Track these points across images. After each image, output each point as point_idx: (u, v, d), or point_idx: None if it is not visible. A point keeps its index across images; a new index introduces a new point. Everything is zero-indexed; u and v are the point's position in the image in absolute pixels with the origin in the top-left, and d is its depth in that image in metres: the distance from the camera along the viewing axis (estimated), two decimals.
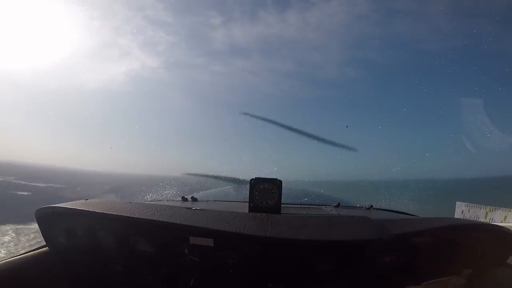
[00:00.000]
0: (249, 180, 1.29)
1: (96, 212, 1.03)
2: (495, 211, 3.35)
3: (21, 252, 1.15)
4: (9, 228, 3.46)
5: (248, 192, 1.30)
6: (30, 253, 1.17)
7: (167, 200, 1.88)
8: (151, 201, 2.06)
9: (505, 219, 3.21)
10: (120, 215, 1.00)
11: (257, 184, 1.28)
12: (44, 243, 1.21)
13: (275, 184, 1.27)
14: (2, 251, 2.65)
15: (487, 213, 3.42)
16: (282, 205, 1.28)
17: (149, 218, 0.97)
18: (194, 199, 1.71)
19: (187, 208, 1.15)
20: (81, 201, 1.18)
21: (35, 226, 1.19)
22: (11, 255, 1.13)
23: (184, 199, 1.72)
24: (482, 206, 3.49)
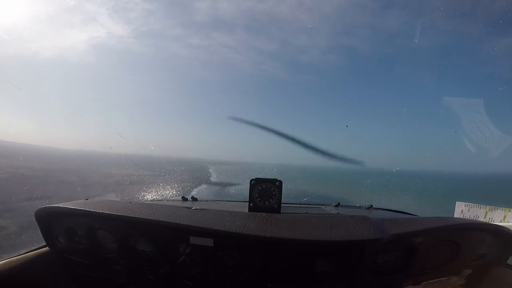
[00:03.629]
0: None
1: (96, 212, 1.03)
2: (494, 210, 3.35)
3: (21, 252, 1.15)
4: None
5: (248, 191, 1.30)
6: (30, 253, 1.17)
7: (167, 200, 1.88)
8: (151, 200, 2.06)
9: (504, 218, 3.22)
10: (120, 215, 1.00)
11: (257, 184, 1.28)
12: (44, 243, 1.21)
13: (275, 184, 1.27)
14: None
15: (486, 212, 3.43)
16: (282, 205, 1.28)
17: (149, 218, 0.97)
18: (194, 199, 1.71)
19: (187, 207, 1.15)
20: (81, 201, 1.18)
21: None
22: (11, 255, 1.13)
23: (184, 199, 1.72)
24: (482, 205, 3.50)
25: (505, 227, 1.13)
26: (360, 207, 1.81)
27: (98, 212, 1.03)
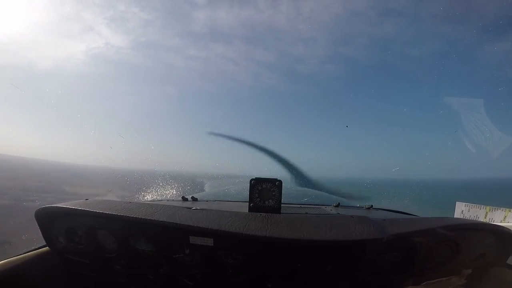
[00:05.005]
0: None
1: (96, 212, 1.03)
2: (494, 211, 3.35)
3: (21, 252, 1.15)
4: None
5: (248, 191, 1.30)
6: (30, 253, 1.17)
7: (167, 200, 1.88)
8: (151, 201, 2.06)
9: (504, 219, 3.21)
10: (120, 215, 1.00)
11: (257, 184, 1.28)
12: (44, 243, 1.21)
13: (275, 184, 1.27)
14: None
15: (486, 213, 3.42)
16: (282, 205, 1.28)
17: (149, 218, 0.97)
18: (194, 199, 1.71)
19: (187, 207, 1.15)
20: (81, 201, 1.18)
21: None
22: (11, 255, 1.13)
23: (184, 199, 1.72)
24: (482, 206, 3.50)
25: (505, 227, 1.13)
26: (360, 207, 1.81)
27: (98, 212, 1.03)
